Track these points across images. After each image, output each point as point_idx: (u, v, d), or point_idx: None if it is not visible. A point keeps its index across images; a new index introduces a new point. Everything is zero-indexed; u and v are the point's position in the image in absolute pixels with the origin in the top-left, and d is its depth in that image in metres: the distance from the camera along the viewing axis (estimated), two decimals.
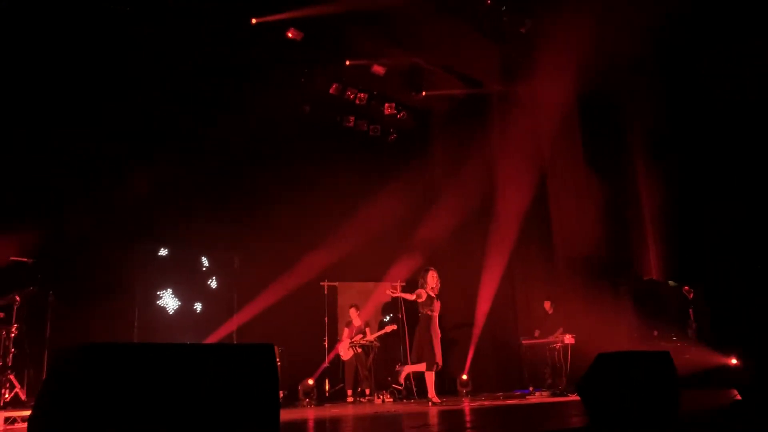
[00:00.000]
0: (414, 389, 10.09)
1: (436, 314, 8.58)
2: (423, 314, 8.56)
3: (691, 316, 9.87)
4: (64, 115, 8.22)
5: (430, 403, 8.34)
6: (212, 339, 9.32)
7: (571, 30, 10.01)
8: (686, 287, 9.89)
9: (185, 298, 9.70)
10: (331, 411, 8.29)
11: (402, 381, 9.43)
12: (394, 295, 9.34)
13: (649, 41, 10.10)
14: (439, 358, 8.47)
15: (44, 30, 7.87)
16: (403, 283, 10.93)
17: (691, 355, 8.87)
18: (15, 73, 7.82)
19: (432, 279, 8.65)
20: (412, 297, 8.73)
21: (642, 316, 10.01)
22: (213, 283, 10.07)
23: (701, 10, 9.38)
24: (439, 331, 8.60)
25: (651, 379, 4.65)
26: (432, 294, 8.61)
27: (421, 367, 8.58)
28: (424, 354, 8.45)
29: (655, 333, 9.92)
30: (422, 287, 8.62)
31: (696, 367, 8.46)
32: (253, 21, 9.36)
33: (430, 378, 8.53)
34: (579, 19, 9.72)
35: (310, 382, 9.68)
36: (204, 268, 10.09)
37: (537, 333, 10.44)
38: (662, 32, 9.86)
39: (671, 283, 10.76)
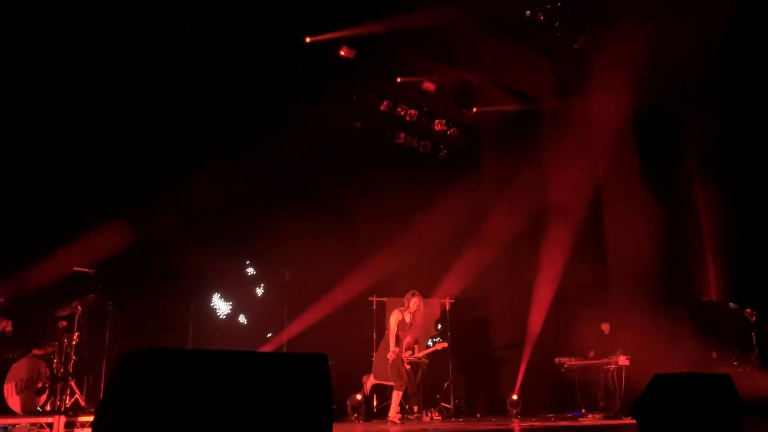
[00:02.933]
0: (463, 407, 9.97)
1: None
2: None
3: (754, 340, 9.48)
4: (128, 130, 8.51)
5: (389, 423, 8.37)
6: (264, 350, 9.42)
7: (625, 45, 9.87)
8: (748, 310, 9.50)
9: (237, 309, 9.84)
10: (378, 427, 8.27)
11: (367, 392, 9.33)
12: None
13: (707, 56, 9.87)
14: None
15: (124, 49, 8.29)
16: (452, 300, 10.88)
17: (753, 381, 8.52)
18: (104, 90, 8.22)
19: (414, 304, 8.69)
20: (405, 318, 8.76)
21: (700, 339, 9.68)
22: (265, 296, 10.20)
23: (760, 23, 9.13)
24: None
25: (711, 402, 4.49)
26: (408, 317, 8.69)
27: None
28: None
29: (714, 355, 9.58)
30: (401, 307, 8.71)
31: (758, 394, 8.11)
32: (308, 40, 9.59)
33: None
34: (634, 34, 9.58)
35: (359, 397, 9.67)
36: (256, 281, 10.22)
37: (591, 354, 10.16)
38: (721, 47, 9.63)
39: (732, 305, 10.39)
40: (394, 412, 8.51)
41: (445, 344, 10.17)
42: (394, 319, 8.67)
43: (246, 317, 9.85)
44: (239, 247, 10.00)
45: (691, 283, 10.84)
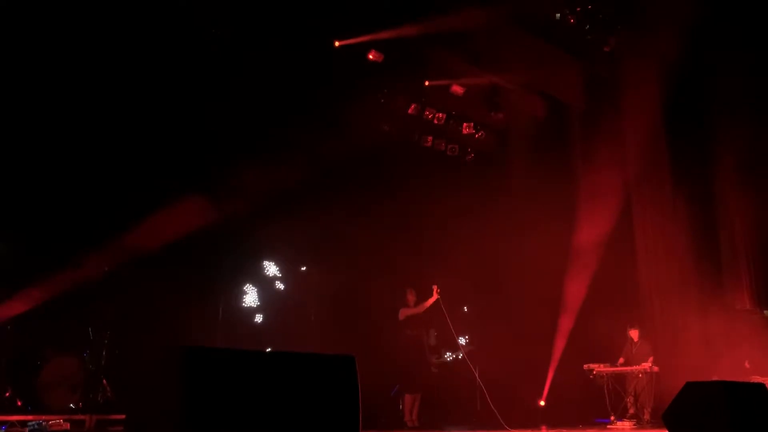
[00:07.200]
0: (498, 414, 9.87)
1: None
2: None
3: None
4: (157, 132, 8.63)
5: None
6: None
7: (657, 47, 9.74)
8: None
9: (265, 309, 9.89)
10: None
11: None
12: None
13: (740, 55, 9.70)
14: None
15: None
16: (479, 303, 10.82)
17: None
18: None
19: (411, 294, 8.88)
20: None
21: (733, 347, 9.50)
22: (294, 296, 10.23)
23: None
24: None
25: (744, 411, 4.40)
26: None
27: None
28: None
29: (747, 364, 9.39)
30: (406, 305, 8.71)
31: None
32: (336, 44, 9.64)
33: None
34: (665, 36, 9.45)
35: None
36: (284, 281, 10.26)
37: (621, 360, 10.00)
38: (754, 46, 9.47)
39: (766, 313, 10.18)
40: (409, 415, 8.46)
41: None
42: (402, 317, 8.72)
43: (275, 318, 9.88)
44: (269, 249, 10.07)
45: (724, 290, 10.63)
